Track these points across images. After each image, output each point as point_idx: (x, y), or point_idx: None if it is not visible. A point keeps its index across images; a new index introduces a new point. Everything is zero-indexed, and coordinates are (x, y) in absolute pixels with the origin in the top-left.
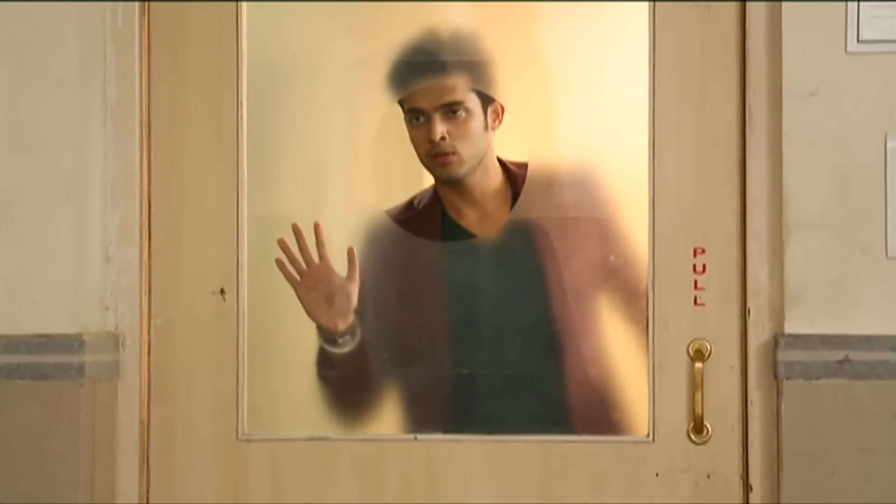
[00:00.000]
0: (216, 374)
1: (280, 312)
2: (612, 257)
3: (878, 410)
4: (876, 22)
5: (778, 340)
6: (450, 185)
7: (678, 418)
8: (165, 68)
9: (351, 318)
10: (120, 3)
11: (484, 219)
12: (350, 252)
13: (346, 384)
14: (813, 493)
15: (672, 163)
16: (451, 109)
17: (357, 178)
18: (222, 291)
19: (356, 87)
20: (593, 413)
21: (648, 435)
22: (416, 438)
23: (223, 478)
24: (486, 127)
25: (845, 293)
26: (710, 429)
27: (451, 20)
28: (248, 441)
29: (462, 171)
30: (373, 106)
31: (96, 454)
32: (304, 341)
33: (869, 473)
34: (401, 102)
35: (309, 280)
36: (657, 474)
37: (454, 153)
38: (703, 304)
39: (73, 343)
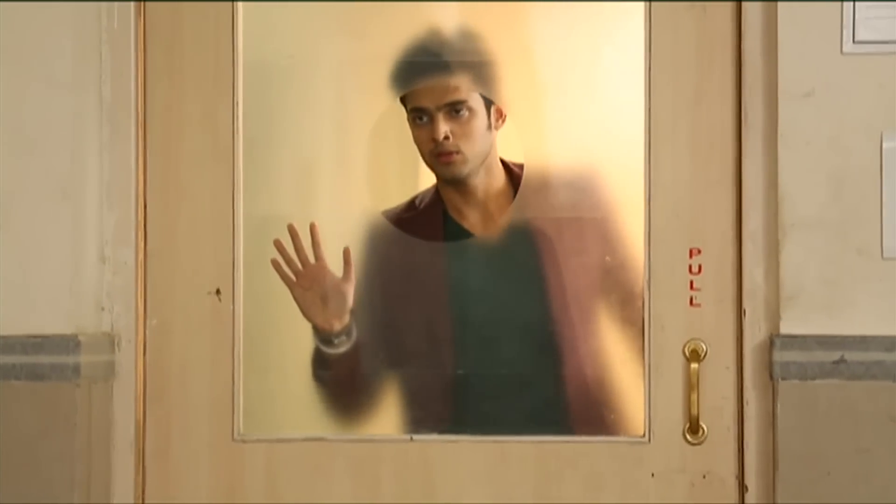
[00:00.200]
0: (212, 374)
1: (275, 313)
2: (608, 258)
3: (873, 411)
4: (872, 22)
5: (774, 341)
6: (453, 184)
7: (674, 419)
8: (161, 69)
9: (346, 318)
10: (116, 4)
11: (485, 220)
12: (345, 252)
13: (342, 384)
14: (809, 493)
15: (668, 163)
16: (455, 109)
17: (354, 178)
18: (218, 292)
19: (352, 88)
20: (589, 413)
21: (644, 435)
22: (411, 439)
23: (219, 478)
24: (489, 126)
25: (841, 294)
26: (705, 429)
27: (449, 20)
28: (244, 441)
29: (466, 170)
30: (369, 107)
31: (92, 455)
32: (299, 342)
33: (865, 474)
34: (404, 102)
35: (304, 280)
36: (653, 475)
37: (458, 152)
38: (698, 305)
39: (68, 344)
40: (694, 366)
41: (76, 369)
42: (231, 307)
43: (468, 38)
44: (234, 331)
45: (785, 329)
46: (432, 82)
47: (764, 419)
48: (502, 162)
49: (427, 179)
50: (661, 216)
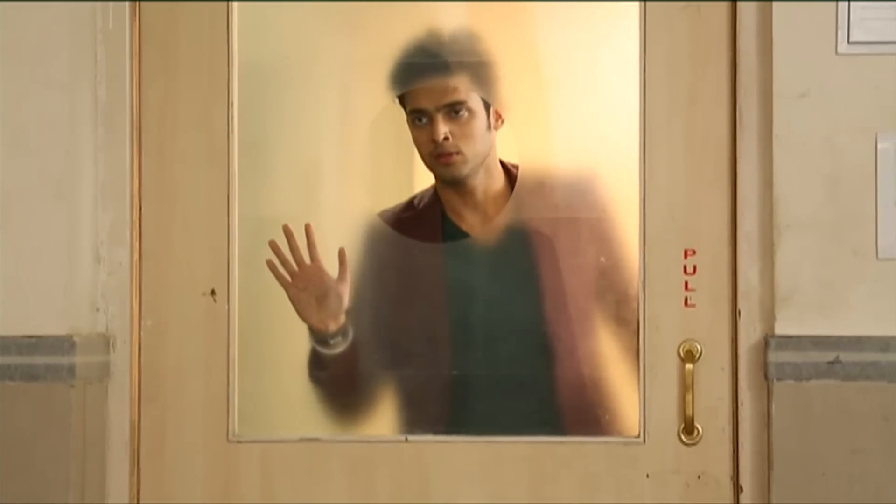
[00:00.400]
0: (207, 375)
1: (271, 313)
2: (602, 259)
3: (868, 411)
4: (866, 23)
5: (768, 341)
6: (452, 185)
7: (669, 419)
8: (156, 69)
9: (342, 318)
10: (111, 4)
11: (484, 221)
12: (341, 253)
13: (338, 385)
14: (803, 494)
15: (663, 164)
16: (454, 109)
17: (350, 179)
18: (213, 292)
19: (350, 89)
20: (584, 414)
21: (639, 436)
22: (406, 440)
23: (214, 479)
24: (489, 126)
25: (836, 294)
26: (700, 430)
27: (448, 21)
28: (239, 442)
29: (465, 170)
30: (365, 107)
31: (87, 455)
32: (294, 342)
33: (859, 474)
34: (403, 104)
35: (300, 281)
36: (648, 475)
37: (458, 153)
38: (693, 306)
39: (63, 344)
40: (689, 366)
41: (71, 370)
42: (226, 308)
43: (467, 38)
44: (229, 331)
45: (780, 329)
46: (431, 83)
47: (759, 420)
48: (501, 163)
49: (423, 180)
50: (656, 217)
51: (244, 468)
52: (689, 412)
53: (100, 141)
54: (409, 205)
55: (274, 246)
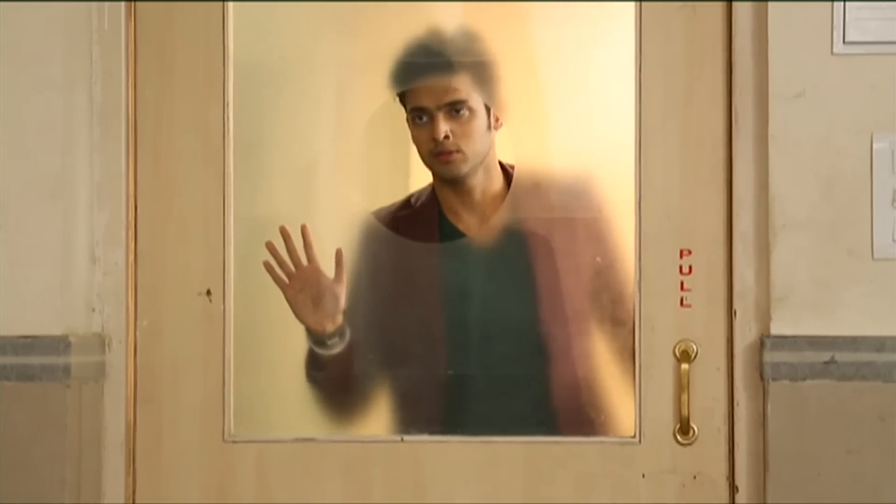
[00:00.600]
0: (202, 375)
1: (266, 314)
2: (598, 259)
3: (863, 412)
4: (862, 23)
5: (764, 341)
6: (450, 184)
7: (664, 419)
8: (152, 69)
9: (339, 319)
10: (106, 4)
11: (481, 221)
12: (337, 254)
13: (334, 385)
14: (799, 494)
15: (658, 164)
16: (455, 108)
17: (347, 179)
18: (208, 293)
19: (343, 89)
20: (580, 414)
21: (635, 436)
22: (402, 440)
23: (209, 479)
24: (489, 126)
25: (831, 294)
26: (696, 430)
27: (443, 20)
28: (235, 442)
29: (465, 169)
30: (361, 107)
31: (82, 455)
32: (290, 342)
33: (855, 475)
34: (403, 103)
35: (297, 282)
36: (643, 475)
37: (458, 151)
38: (689, 306)
39: (59, 344)
40: (684, 366)
41: (66, 370)
42: (222, 308)
43: (467, 37)
44: (225, 331)
45: (775, 330)
46: (433, 82)
47: (754, 420)
48: (500, 165)
49: (419, 180)
50: (652, 217)
51: (240, 468)
52: (684, 412)
53: (95, 141)
54: (406, 203)
55: (270, 247)
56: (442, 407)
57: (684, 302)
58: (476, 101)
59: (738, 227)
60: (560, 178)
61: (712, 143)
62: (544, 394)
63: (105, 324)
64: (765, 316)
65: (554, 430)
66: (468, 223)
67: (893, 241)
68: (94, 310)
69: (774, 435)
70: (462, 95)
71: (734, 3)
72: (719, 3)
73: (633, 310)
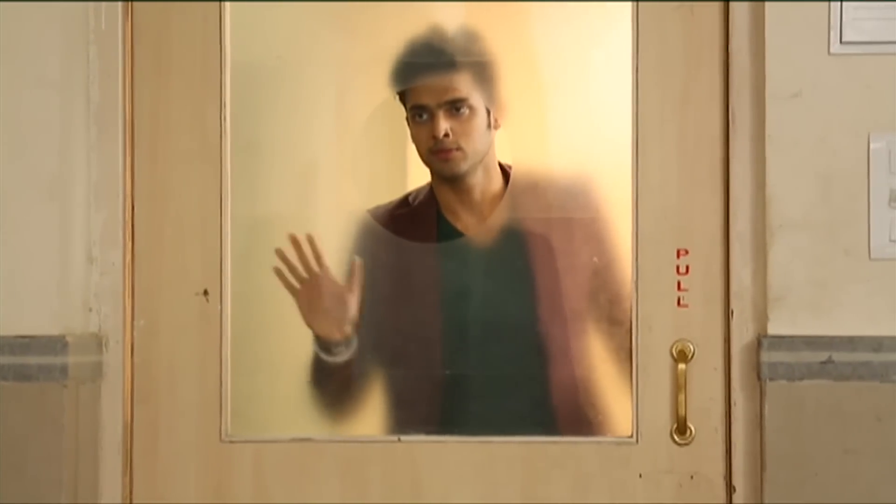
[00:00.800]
0: (199, 375)
1: (263, 314)
2: (595, 259)
3: (860, 412)
4: (859, 23)
5: (761, 341)
6: (449, 183)
7: (661, 419)
8: (149, 69)
9: (348, 329)
10: (103, 4)
11: (479, 221)
12: (353, 264)
13: (332, 385)
14: (796, 494)
15: (655, 164)
16: (455, 107)
17: (343, 179)
18: (206, 293)
19: (341, 88)
20: (577, 414)
21: (632, 436)
22: (399, 440)
23: (206, 479)
24: (488, 125)
25: (828, 294)
26: (693, 430)
27: (443, 19)
28: (232, 442)
29: (464, 167)
30: (358, 107)
31: (79, 455)
32: (287, 342)
33: (852, 474)
34: (403, 101)
35: (309, 289)
36: (640, 475)
37: (458, 149)
38: (686, 306)
39: (56, 344)
40: (681, 366)
41: (63, 370)
42: (219, 308)
43: (467, 37)
44: (222, 331)
45: (772, 330)
46: (434, 80)
47: (751, 420)
48: (500, 166)
49: (416, 179)
50: (649, 217)
51: (237, 468)
52: (681, 412)
53: (92, 141)
54: (404, 201)
55: (281, 254)
56: (439, 407)
57: (681, 302)
58: (476, 99)
59: (735, 227)
60: (558, 178)
61: (709, 143)
62: (541, 394)
63: (102, 324)
64: (762, 316)
65: (551, 430)
66: (466, 223)
67: (890, 240)
68: (91, 310)
69: (771, 435)
70: (463, 94)
71: (731, 3)
72: (716, 3)
73: (631, 310)
